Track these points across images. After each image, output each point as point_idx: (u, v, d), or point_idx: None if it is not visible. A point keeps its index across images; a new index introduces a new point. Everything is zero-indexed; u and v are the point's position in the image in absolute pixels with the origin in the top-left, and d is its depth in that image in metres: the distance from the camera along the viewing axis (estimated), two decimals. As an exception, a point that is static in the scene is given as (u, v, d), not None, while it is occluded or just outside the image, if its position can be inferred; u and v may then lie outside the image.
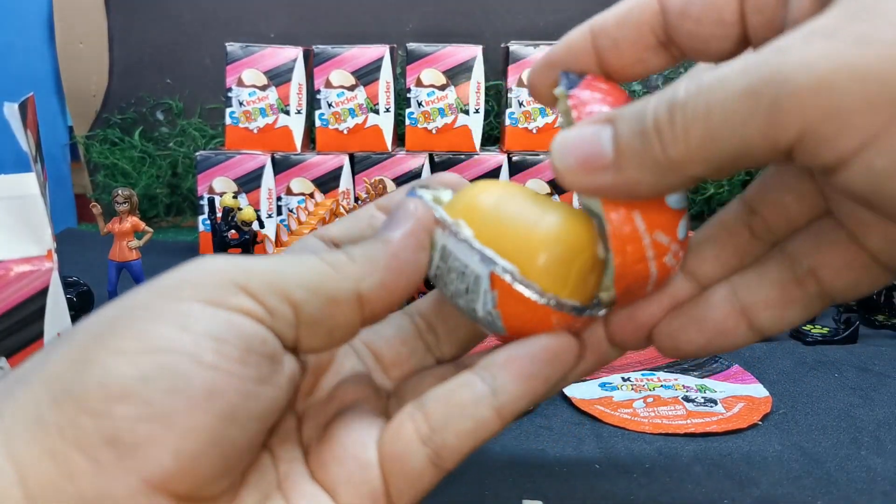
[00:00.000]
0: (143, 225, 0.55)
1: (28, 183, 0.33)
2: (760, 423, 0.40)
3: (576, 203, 0.78)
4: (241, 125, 0.80)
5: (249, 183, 0.78)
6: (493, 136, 0.91)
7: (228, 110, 0.80)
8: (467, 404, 0.20)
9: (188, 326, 0.17)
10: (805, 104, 0.15)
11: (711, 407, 0.41)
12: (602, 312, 0.23)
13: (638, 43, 0.20)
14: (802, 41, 0.15)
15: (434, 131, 0.80)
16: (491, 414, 0.20)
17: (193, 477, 0.17)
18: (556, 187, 0.78)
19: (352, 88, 0.79)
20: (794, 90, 0.15)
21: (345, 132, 0.80)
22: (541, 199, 0.23)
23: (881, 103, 0.15)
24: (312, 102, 0.81)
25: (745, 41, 0.20)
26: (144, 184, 0.92)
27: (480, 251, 0.21)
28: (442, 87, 0.79)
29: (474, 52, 0.79)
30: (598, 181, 0.19)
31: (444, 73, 0.79)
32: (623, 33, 0.20)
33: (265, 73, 0.79)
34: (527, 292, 0.21)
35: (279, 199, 0.79)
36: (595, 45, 0.21)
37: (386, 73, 0.79)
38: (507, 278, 0.21)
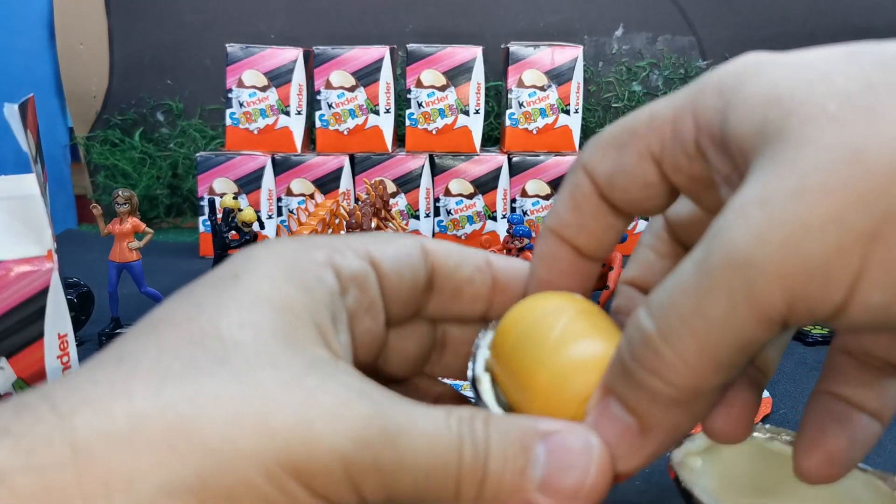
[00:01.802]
0: (143, 226, 0.55)
1: (28, 183, 0.33)
2: (761, 424, 0.40)
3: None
4: (241, 126, 0.80)
5: (250, 184, 0.78)
6: (493, 137, 0.91)
7: (229, 111, 0.80)
8: None
9: None
10: (780, 274, 0.14)
11: (712, 408, 0.41)
12: None
13: (598, 218, 0.21)
14: (739, 216, 0.15)
15: (434, 132, 0.80)
16: None
17: None
18: (558, 188, 0.78)
19: (352, 89, 0.79)
20: (763, 267, 0.15)
21: (345, 133, 0.80)
22: (573, 323, 0.20)
23: (849, 244, 0.14)
24: (312, 103, 0.81)
25: (676, 192, 0.20)
26: (145, 185, 0.92)
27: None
28: (442, 88, 0.79)
29: (474, 52, 0.79)
30: (648, 450, 0.18)
31: (444, 73, 0.79)
32: (582, 218, 0.21)
33: (265, 73, 0.79)
34: None
35: (279, 199, 0.79)
36: (563, 237, 0.21)
37: (386, 73, 0.79)
38: None
